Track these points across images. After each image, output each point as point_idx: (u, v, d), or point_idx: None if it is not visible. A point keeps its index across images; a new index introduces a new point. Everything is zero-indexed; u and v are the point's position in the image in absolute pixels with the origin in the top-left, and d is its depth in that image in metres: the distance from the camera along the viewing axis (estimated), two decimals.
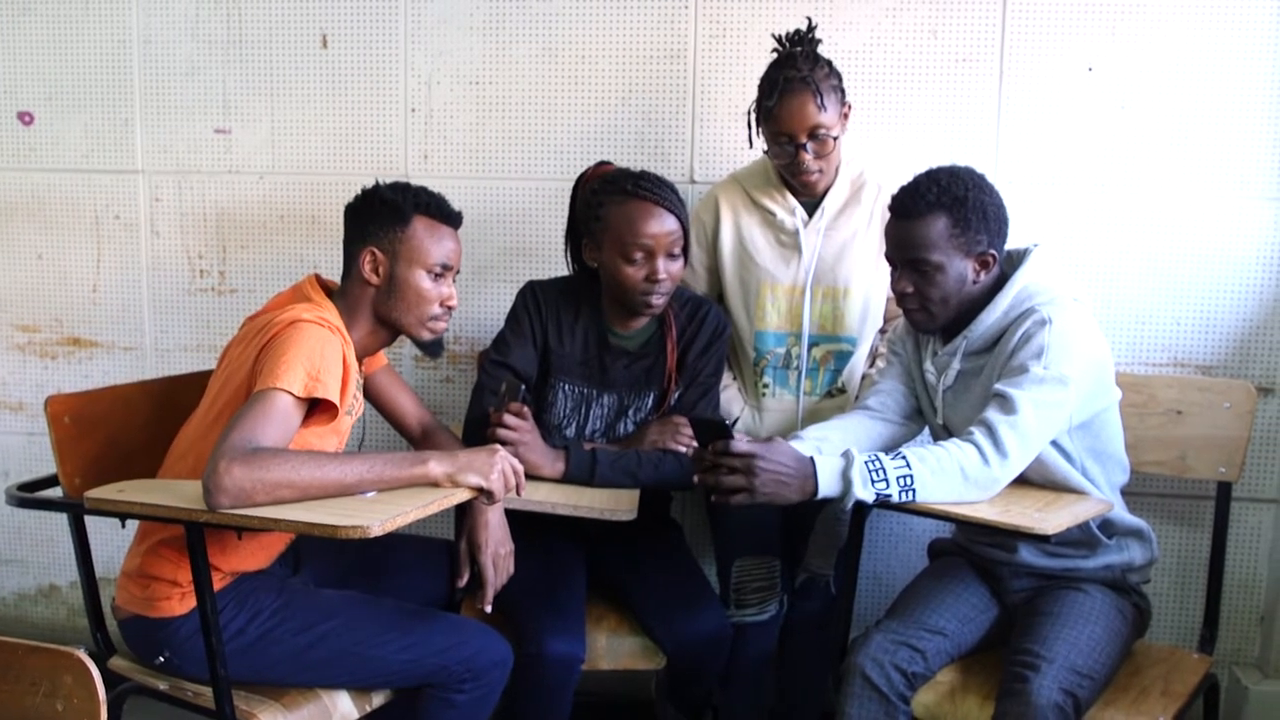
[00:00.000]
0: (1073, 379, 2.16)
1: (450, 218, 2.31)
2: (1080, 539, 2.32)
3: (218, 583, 2.12)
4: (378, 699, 2.25)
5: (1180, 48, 2.84)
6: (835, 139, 2.56)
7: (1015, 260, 2.34)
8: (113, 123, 3.19)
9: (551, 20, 3.00)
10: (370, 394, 2.50)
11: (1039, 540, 2.18)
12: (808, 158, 2.53)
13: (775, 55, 2.60)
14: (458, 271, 2.33)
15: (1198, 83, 2.85)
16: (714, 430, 2.17)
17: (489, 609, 2.36)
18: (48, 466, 2.32)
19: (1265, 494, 2.96)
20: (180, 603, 2.14)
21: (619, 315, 2.57)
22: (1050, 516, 2.08)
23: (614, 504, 2.34)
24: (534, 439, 2.42)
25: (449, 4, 3.02)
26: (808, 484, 2.12)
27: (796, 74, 2.50)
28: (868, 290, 2.68)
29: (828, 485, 2.12)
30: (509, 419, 2.39)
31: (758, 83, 2.58)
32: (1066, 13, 2.86)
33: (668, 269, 2.44)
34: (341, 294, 2.30)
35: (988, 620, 2.39)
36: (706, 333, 2.60)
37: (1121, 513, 2.36)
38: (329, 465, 1.94)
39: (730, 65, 2.96)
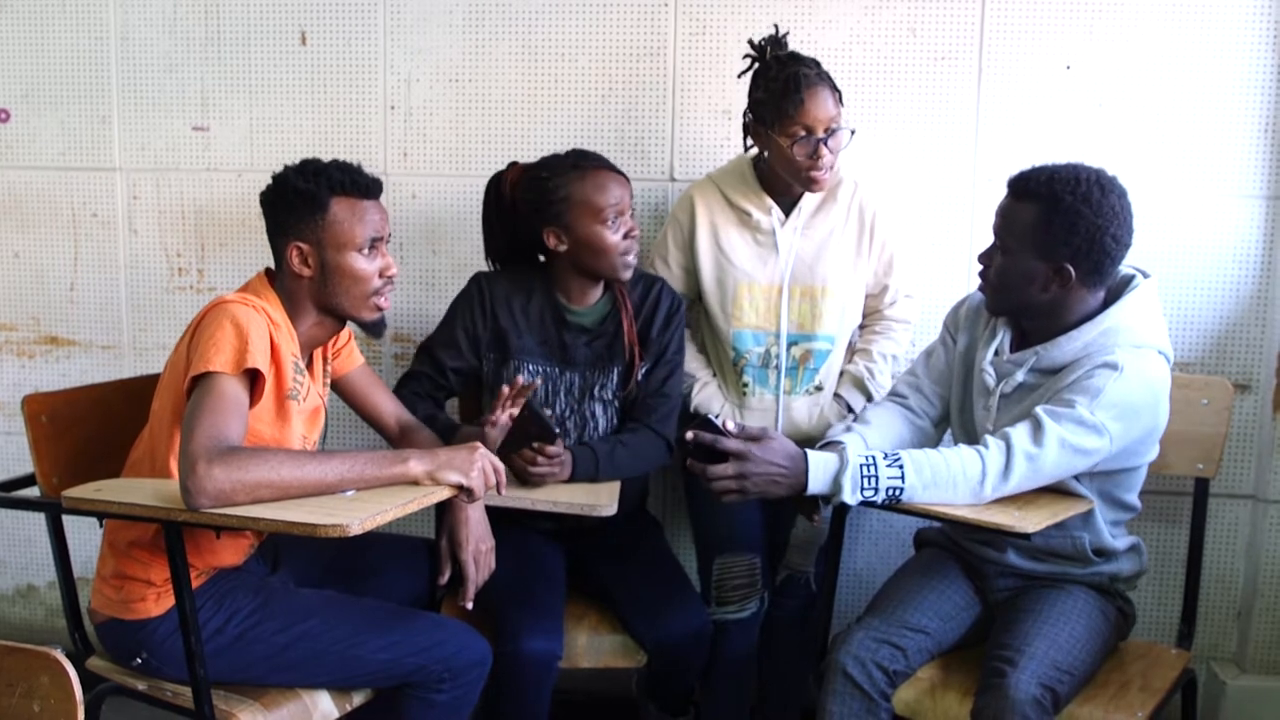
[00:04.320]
0: (1113, 435, 2.12)
1: (368, 190, 2.23)
2: (1072, 554, 2.32)
3: (194, 580, 2.10)
4: (358, 698, 2.25)
5: (1158, 46, 2.85)
6: (852, 133, 2.58)
7: (1117, 289, 2.26)
8: (90, 120, 3.17)
9: (531, 18, 3.00)
10: (347, 394, 2.49)
11: (1021, 539, 2.19)
12: (827, 152, 2.54)
13: (753, 62, 2.61)
14: (389, 238, 2.27)
15: (1175, 81, 2.86)
16: (702, 426, 2.17)
17: (470, 606, 2.36)
18: (25, 466, 2.31)
19: (1242, 490, 2.97)
20: (156, 603, 2.13)
21: (580, 290, 2.60)
22: (1030, 515, 2.09)
23: (594, 499, 2.34)
24: (566, 469, 2.46)
25: (428, 2, 3.01)
26: (799, 481, 2.12)
27: (811, 70, 2.52)
28: (846, 289, 2.69)
29: (817, 484, 2.12)
30: (545, 465, 2.39)
31: (763, 86, 2.56)
32: (1045, 11, 2.87)
33: (634, 225, 2.55)
34: (281, 289, 2.25)
35: (970, 618, 2.39)
36: (664, 308, 2.64)
37: (1120, 538, 2.35)
38: (309, 465, 1.94)
39: (710, 63, 2.96)
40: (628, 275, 2.56)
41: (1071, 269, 2.17)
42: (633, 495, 2.55)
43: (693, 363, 2.77)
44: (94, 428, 2.37)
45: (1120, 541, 2.35)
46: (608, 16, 2.98)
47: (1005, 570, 2.38)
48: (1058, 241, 2.15)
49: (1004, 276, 2.23)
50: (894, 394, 2.52)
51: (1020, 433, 2.12)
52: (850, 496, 2.10)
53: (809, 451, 2.15)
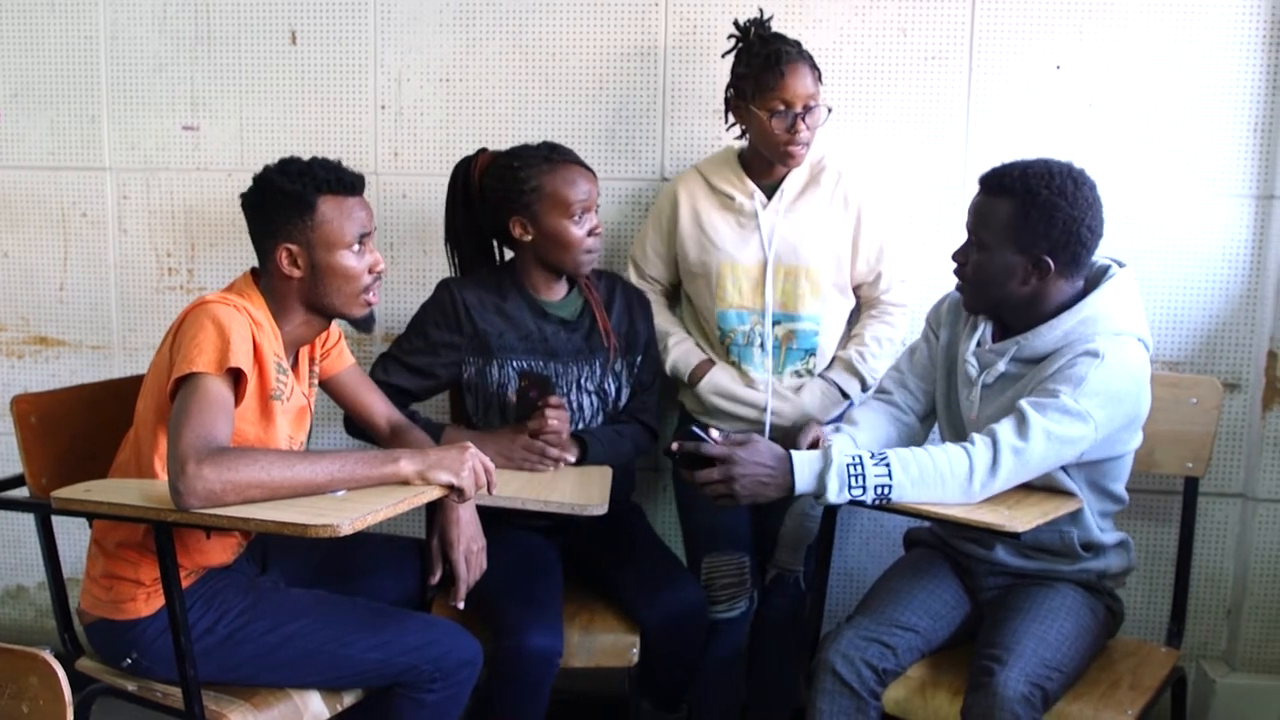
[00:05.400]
0: (1097, 422, 2.14)
1: (353, 186, 2.21)
2: (1060, 549, 2.32)
3: (184, 580, 2.10)
4: (349, 699, 2.24)
5: (1147, 46, 2.86)
6: (829, 111, 2.63)
7: (1094, 279, 2.29)
8: (79, 119, 3.16)
9: (521, 17, 2.99)
10: (337, 394, 2.49)
11: (1012, 538, 2.20)
12: (804, 128, 2.59)
13: (738, 43, 2.66)
14: (374, 232, 2.26)
15: (1165, 81, 2.87)
16: (686, 436, 2.20)
17: (462, 606, 2.36)
18: (14, 466, 2.31)
19: (1231, 489, 2.98)
20: (146, 603, 2.13)
21: (547, 283, 2.65)
22: (1020, 514, 2.10)
23: (585, 499, 2.35)
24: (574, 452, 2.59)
25: (419, 1, 3.01)
26: (786, 480, 2.13)
27: (792, 48, 2.59)
28: (829, 270, 2.72)
29: (803, 483, 2.13)
30: (554, 413, 2.49)
31: (744, 61, 2.62)
32: (1035, 12, 2.87)
33: (599, 224, 2.61)
34: (267, 289, 2.23)
35: (959, 616, 2.40)
36: (635, 299, 2.75)
37: (1107, 533, 2.36)
38: (299, 465, 1.94)
39: (701, 63, 2.96)
40: (587, 271, 2.62)
41: (1050, 260, 2.19)
42: (620, 486, 2.58)
43: (665, 323, 2.82)
44: (83, 428, 2.37)
45: (1108, 536, 2.36)
46: (599, 16, 2.98)
47: (994, 569, 2.39)
48: (1036, 234, 2.18)
49: (982, 273, 2.25)
50: (880, 391, 2.55)
51: (1005, 428, 2.13)
52: (836, 495, 2.10)
53: (793, 452, 2.16)
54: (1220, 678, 2.99)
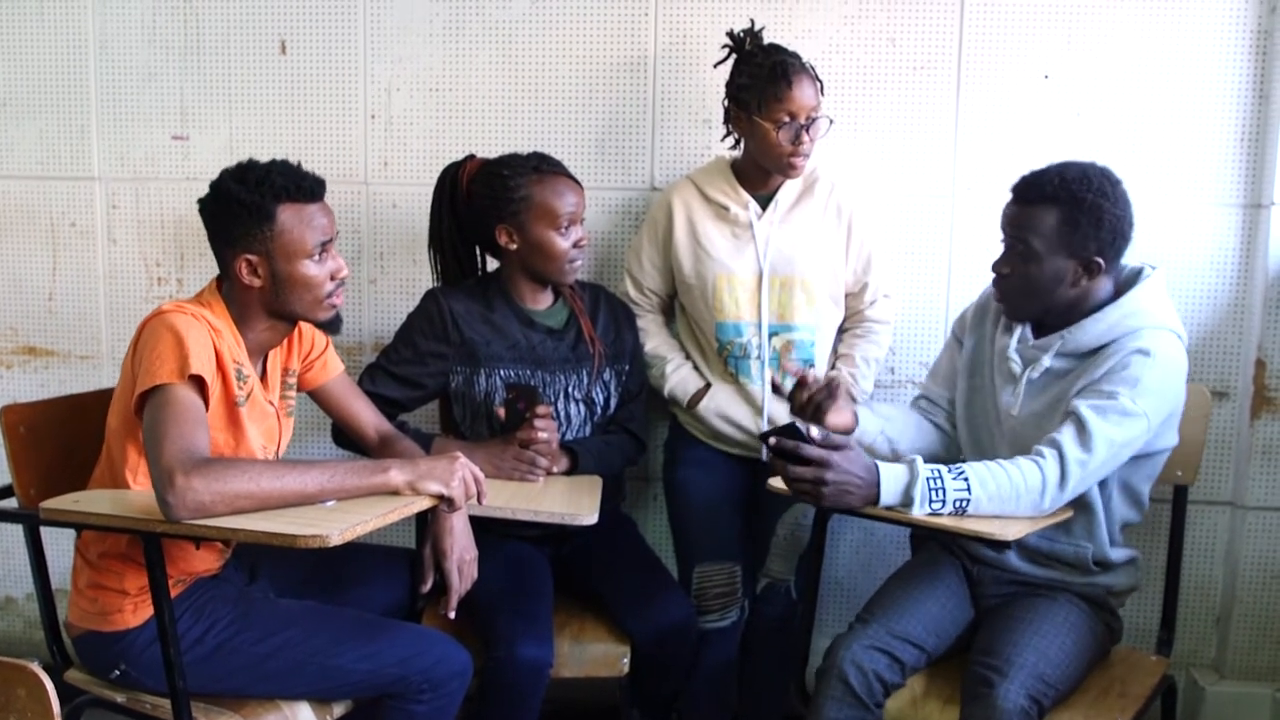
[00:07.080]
0: (1153, 420, 2.17)
1: (313, 192, 2.18)
2: (1073, 562, 2.33)
3: (171, 589, 2.08)
4: (338, 709, 2.23)
5: (1135, 55, 2.87)
6: (830, 122, 2.64)
7: (1128, 279, 2.32)
8: (69, 129, 3.15)
9: (511, 28, 3.00)
10: (325, 403, 2.48)
11: (1003, 547, 2.20)
12: (807, 139, 2.60)
13: (731, 53, 2.67)
14: (336, 237, 2.23)
15: (1153, 90, 2.88)
16: (787, 431, 2.19)
17: (453, 615, 2.35)
18: (2, 477, 2.30)
19: (1220, 497, 2.99)
20: (134, 614, 2.12)
21: (532, 293, 2.67)
22: (1010, 524, 2.11)
23: (575, 509, 2.35)
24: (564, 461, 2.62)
25: (408, 11, 3.01)
26: (872, 492, 2.14)
27: (795, 59, 2.60)
28: (824, 280, 2.72)
29: (889, 496, 2.14)
30: (542, 423, 2.50)
31: (748, 72, 2.61)
32: (1023, 21, 2.88)
33: (584, 235, 2.64)
34: (229, 296, 2.21)
35: (961, 627, 2.40)
36: (620, 310, 2.78)
37: (1118, 549, 2.37)
38: (288, 475, 1.93)
39: (690, 73, 2.97)
40: (570, 280, 2.64)
41: (1100, 260, 2.22)
42: (610, 496, 2.58)
43: (662, 346, 2.81)
44: (72, 438, 2.36)
45: (1119, 553, 2.37)
46: (588, 27, 2.98)
47: (1003, 576, 2.39)
48: (1087, 237, 2.21)
49: (1033, 282, 2.26)
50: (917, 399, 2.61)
51: (1069, 441, 2.14)
52: (920, 509, 2.12)
53: (880, 464, 2.16)
54: (1210, 685, 2.99)
